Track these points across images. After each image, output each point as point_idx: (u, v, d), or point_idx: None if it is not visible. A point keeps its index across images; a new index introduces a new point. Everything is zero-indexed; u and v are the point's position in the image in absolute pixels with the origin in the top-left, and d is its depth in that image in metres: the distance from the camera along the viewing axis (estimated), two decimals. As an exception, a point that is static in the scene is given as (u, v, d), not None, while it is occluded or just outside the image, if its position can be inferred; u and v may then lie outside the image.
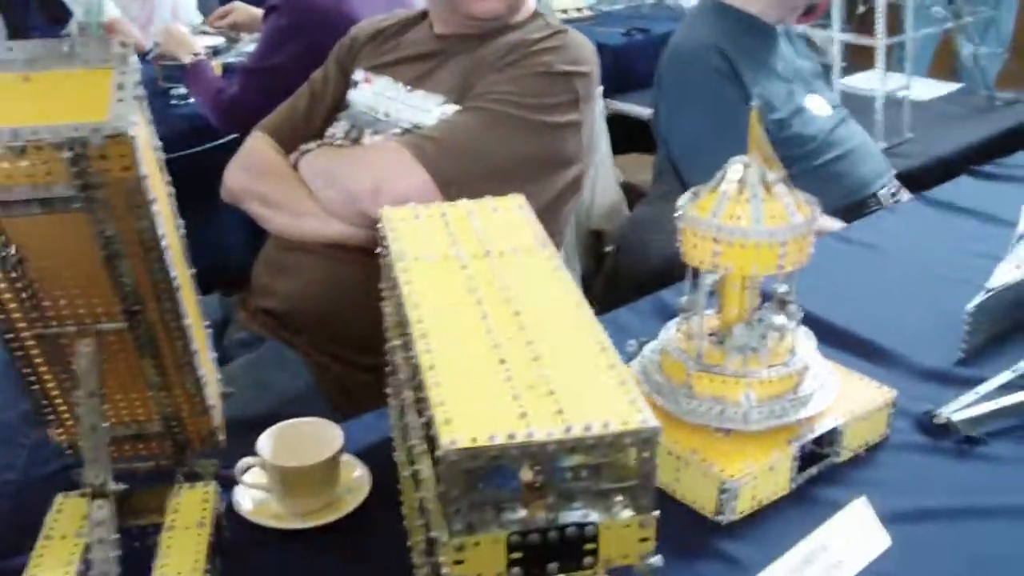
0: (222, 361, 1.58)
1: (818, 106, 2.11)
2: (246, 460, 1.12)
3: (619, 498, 0.77)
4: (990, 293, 1.43)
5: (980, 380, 1.34)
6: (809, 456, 1.18)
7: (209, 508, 0.98)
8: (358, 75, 1.77)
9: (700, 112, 1.99)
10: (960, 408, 1.27)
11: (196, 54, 2.52)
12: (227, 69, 2.68)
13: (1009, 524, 1.12)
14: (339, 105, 1.78)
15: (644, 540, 0.77)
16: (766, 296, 1.23)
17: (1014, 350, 1.41)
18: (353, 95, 1.76)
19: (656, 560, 0.78)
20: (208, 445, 1.03)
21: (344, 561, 1.08)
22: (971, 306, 1.41)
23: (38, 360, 0.91)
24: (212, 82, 2.49)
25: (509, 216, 1.11)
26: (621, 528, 0.76)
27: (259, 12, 2.81)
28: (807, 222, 1.13)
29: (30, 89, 0.76)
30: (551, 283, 0.96)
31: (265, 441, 1.12)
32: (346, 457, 1.16)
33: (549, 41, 1.62)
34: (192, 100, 2.55)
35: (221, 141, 2.36)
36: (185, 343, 0.92)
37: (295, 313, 1.63)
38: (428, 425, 0.78)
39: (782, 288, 1.21)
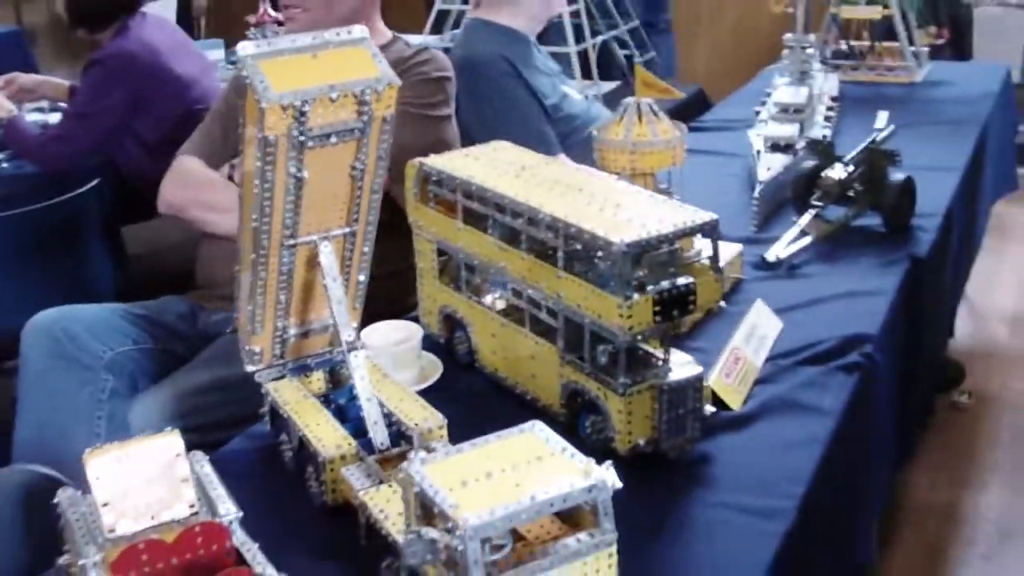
0: (205, 339, 1.92)
1: (573, 92, 2.73)
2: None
3: (703, 264, 1.29)
4: (762, 184, 2.10)
5: (774, 237, 1.99)
6: (708, 290, 1.75)
7: (381, 367, 1.37)
8: None
9: (500, 106, 2.53)
10: (781, 250, 1.91)
11: (10, 111, 2.72)
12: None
13: (828, 306, 1.77)
14: None
15: (716, 291, 1.30)
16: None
17: (784, 217, 2.09)
18: None
19: (722, 303, 1.31)
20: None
21: (455, 411, 1.48)
22: (755, 193, 2.06)
23: (272, 270, 1.26)
24: (31, 131, 2.71)
25: (509, 152, 1.59)
26: (706, 283, 1.28)
27: (42, 78, 3.02)
28: (682, 133, 1.70)
29: (318, 63, 1.15)
30: (586, 175, 1.45)
31: (368, 334, 1.51)
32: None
33: (419, 56, 2.10)
34: (6, 164, 2.73)
35: (81, 190, 2.57)
36: (371, 246, 1.32)
37: None
38: (577, 244, 1.26)
39: (663, 184, 1.77)
